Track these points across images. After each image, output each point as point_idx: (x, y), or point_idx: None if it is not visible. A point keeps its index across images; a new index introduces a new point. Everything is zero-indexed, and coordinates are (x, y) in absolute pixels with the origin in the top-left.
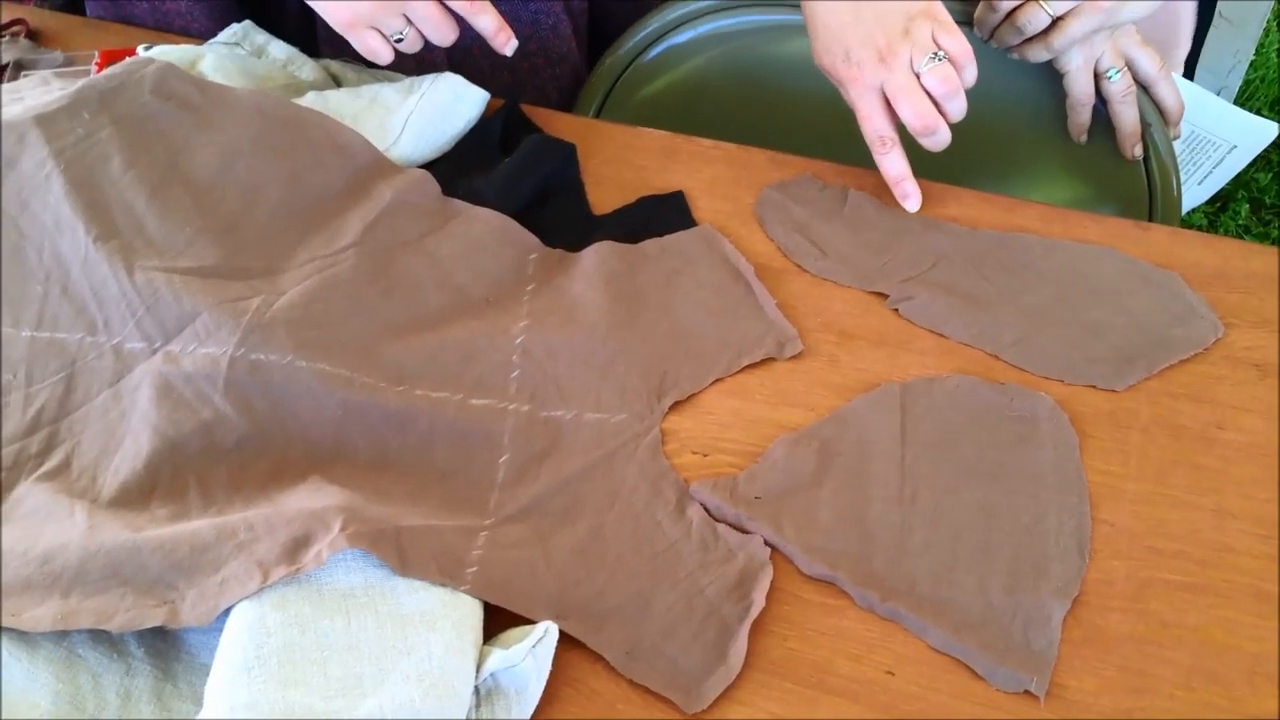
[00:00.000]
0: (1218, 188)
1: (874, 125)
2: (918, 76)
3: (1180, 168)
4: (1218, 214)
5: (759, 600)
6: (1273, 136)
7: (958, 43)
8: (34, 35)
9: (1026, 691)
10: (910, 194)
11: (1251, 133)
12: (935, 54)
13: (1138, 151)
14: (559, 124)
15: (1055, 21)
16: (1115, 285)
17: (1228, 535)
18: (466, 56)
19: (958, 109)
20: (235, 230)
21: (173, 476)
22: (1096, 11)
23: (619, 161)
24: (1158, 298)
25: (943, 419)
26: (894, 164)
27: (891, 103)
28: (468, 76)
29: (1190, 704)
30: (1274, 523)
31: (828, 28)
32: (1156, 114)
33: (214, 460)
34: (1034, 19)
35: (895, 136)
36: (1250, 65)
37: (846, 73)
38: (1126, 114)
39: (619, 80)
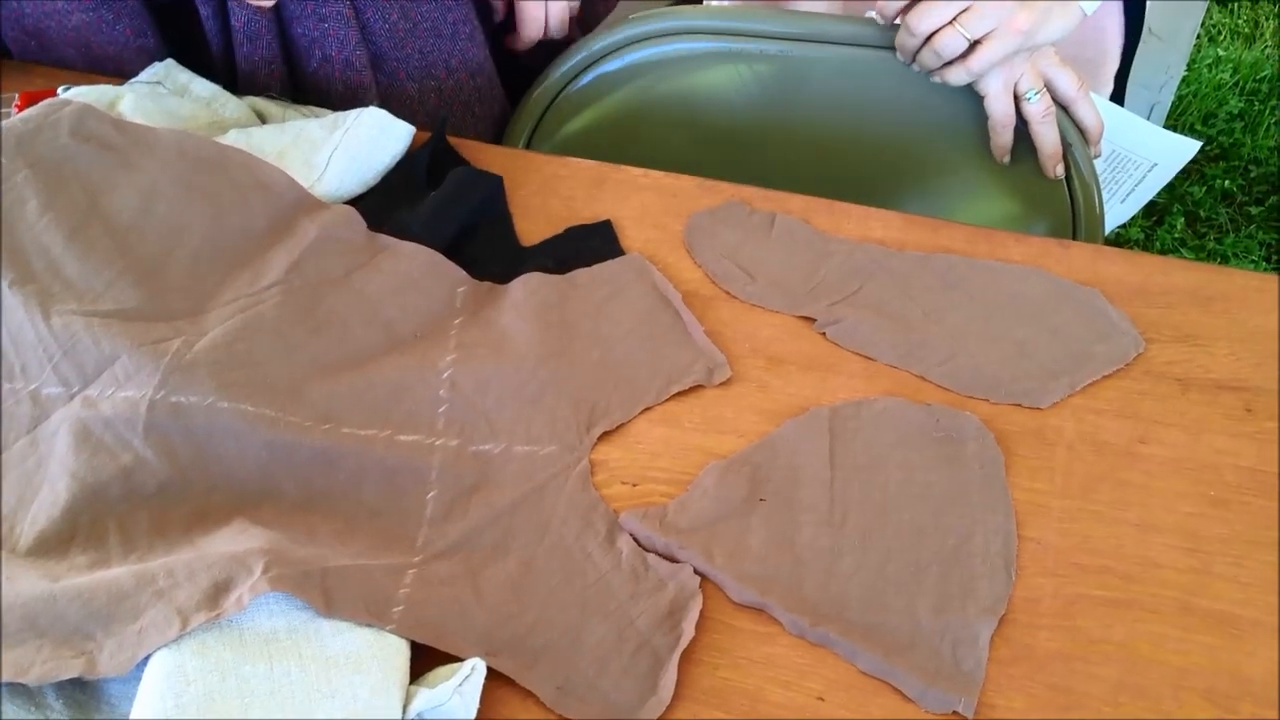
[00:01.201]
0: (1140, 205)
1: None
2: None
3: (1103, 186)
4: (1154, 228)
5: (689, 630)
6: (1192, 154)
7: None
8: None
9: (955, 712)
10: None
11: (1172, 150)
12: None
13: (1059, 171)
14: (487, 156)
15: (973, 45)
16: (1039, 304)
17: (1152, 550)
18: (394, 82)
19: None
20: (157, 271)
21: (92, 523)
22: (1013, 35)
23: (547, 192)
24: (1080, 315)
25: (871, 442)
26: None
27: None
28: (396, 103)
29: None
30: (1198, 536)
31: None
32: (1077, 133)
33: (135, 506)
34: (951, 43)
35: None
36: (1182, 80)
37: None
38: (1047, 134)
39: (547, 111)
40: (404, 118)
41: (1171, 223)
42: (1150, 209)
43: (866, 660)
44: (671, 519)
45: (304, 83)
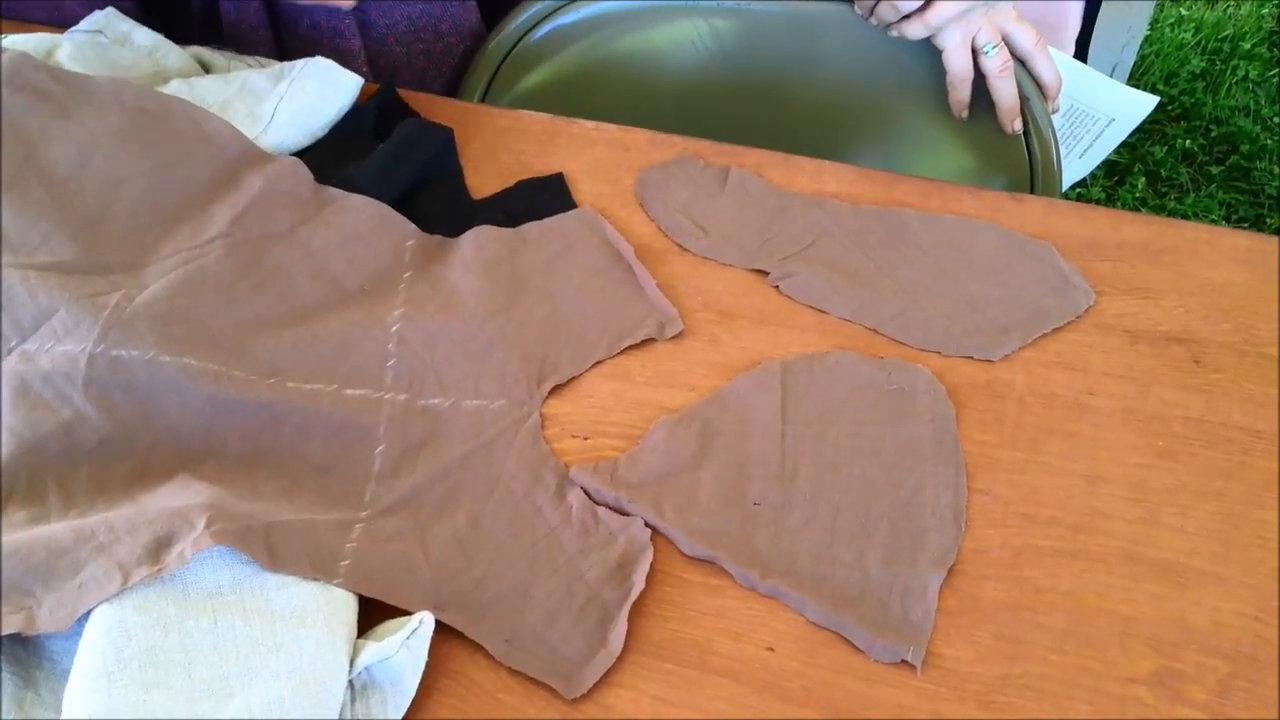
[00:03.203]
0: (1099, 161)
1: None
2: None
3: (1061, 141)
4: (1115, 188)
5: (639, 583)
6: (1149, 109)
7: None
8: None
9: (904, 662)
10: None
11: (1130, 106)
12: None
13: (1017, 126)
14: (437, 108)
15: None
16: (992, 257)
17: (1100, 500)
18: (382, 48)
19: None
20: (95, 225)
21: (30, 480)
22: None
23: (498, 146)
24: (1032, 268)
25: (823, 396)
26: None
27: None
28: (385, 68)
29: (1064, 668)
30: (1145, 487)
31: None
32: (1035, 88)
33: (75, 462)
34: None
35: None
36: (1145, 40)
37: None
38: (1004, 89)
39: (502, 64)
40: (396, 81)
41: (1133, 182)
42: (1111, 168)
43: (815, 612)
44: (622, 473)
45: (291, 47)
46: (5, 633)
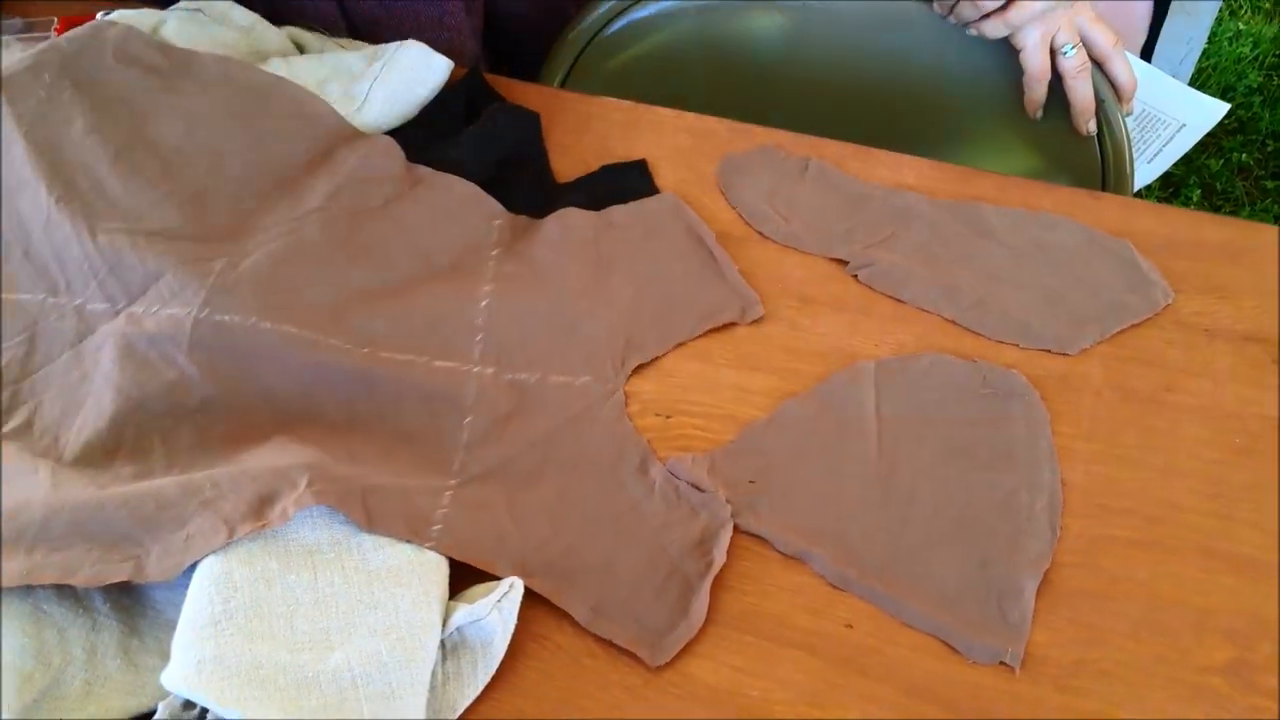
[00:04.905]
0: (1168, 165)
1: None
2: None
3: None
4: (1170, 199)
5: (720, 557)
6: (1221, 115)
7: None
8: None
9: (1002, 663)
10: None
11: (1201, 111)
12: None
13: (1091, 127)
14: (522, 93)
15: None
16: (1069, 252)
17: (1175, 494)
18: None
19: None
20: (199, 195)
21: (137, 436)
22: None
23: (581, 131)
24: (1110, 264)
25: (917, 397)
26: None
27: None
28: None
29: (1139, 655)
30: (1221, 482)
31: None
32: (1110, 90)
33: (178, 420)
34: None
35: None
36: (1202, 53)
37: None
38: (1081, 89)
39: (581, 55)
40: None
41: (1188, 194)
42: (1167, 180)
43: (912, 614)
44: (719, 467)
45: (277, 13)
46: (114, 580)
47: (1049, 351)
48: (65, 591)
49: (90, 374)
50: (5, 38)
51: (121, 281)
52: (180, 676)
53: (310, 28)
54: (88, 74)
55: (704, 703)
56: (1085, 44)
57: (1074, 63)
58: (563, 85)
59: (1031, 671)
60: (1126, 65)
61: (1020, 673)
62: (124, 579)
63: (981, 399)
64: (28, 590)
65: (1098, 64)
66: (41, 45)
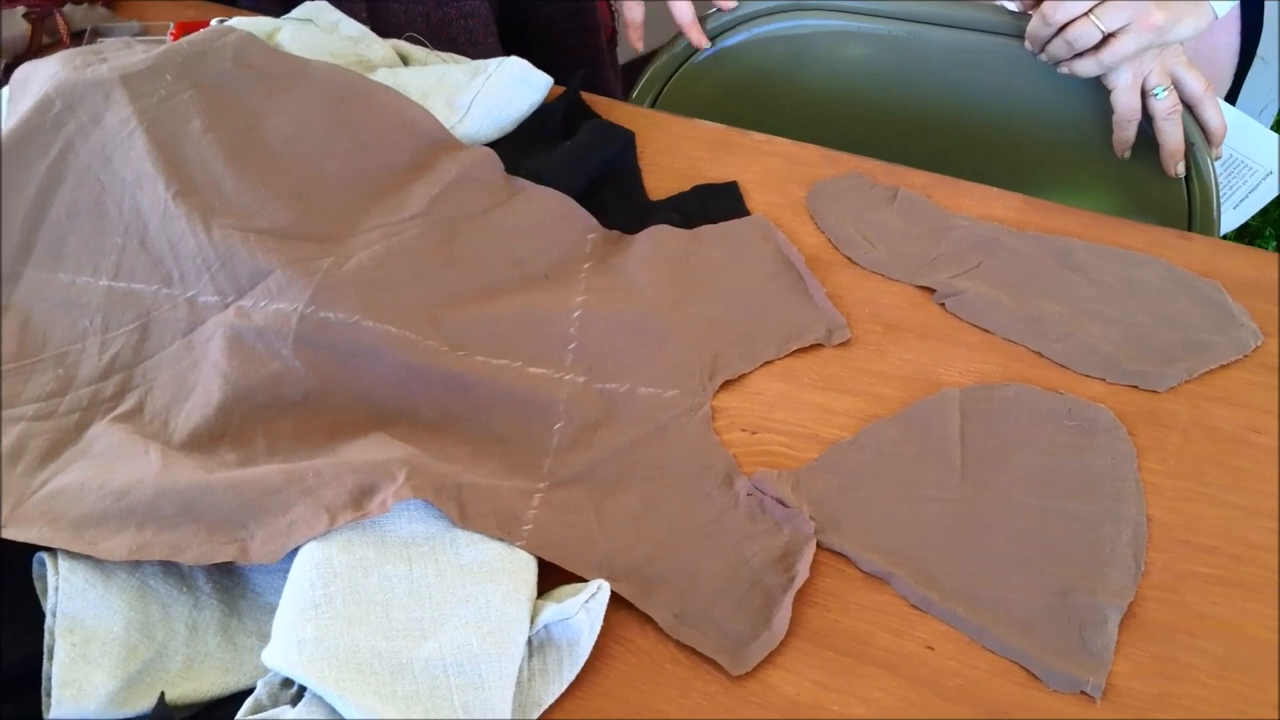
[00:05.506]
0: (1253, 212)
1: None
2: None
3: None
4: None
5: (803, 571)
6: None
7: None
8: (111, 3)
9: (1083, 693)
10: None
11: None
12: None
13: (1180, 170)
14: (617, 112)
15: (1106, 38)
16: (1158, 290)
17: (1259, 533)
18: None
19: None
20: (306, 196)
21: (241, 424)
22: (1147, 30)
23: (673, 151)
24: (1199, 304)
25: (1002, 425)
26: None
27: None
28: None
29: (1221, 692)
30: None
31: None
32: (1200, 134)
33: (281, 411)
34: (1085, 34)
35: None
36: None
37: None
38: (1171, 132)
39: (668, 82)
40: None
41: (1262, 245)
42: (1243, 230)
43: (992, 639)
44: (803, 485)
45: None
46: (219, 560)
47: (1136, 388)
48: (170, 569)
49: (199, 363)
50: (126, 37)
51: (232, 276)
52: (281, 655)
53: (415, 39)
54: (206, 76)
55: (782, 714)
56: (1177, 87)
57: (1165, 105)
58: (653, 106)
59: (1113, 702)
60: (1218, 110)
61: (1101, 703)
62: (229, 560)
63: (1066, 430)
64: (135, 566)
65: (1189, 107)
66: (164, 46)
